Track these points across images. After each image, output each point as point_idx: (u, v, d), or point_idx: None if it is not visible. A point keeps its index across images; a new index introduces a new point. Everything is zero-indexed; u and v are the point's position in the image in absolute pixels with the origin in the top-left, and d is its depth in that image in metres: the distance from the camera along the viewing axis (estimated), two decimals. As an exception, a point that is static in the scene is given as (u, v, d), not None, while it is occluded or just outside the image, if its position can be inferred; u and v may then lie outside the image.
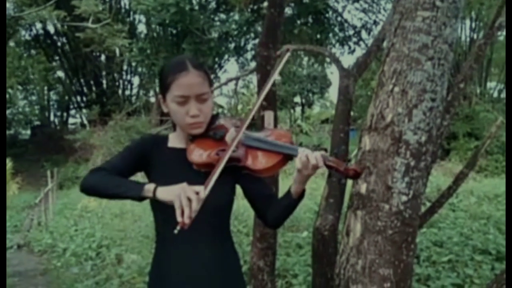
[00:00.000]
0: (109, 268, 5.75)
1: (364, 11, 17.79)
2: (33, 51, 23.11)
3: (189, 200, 1.39)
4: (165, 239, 1.66)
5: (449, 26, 2.23)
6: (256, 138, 1.64)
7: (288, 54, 1.75)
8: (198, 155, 1.64)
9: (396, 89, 2.24)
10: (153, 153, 1.69)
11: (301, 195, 1.62)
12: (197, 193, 1.41)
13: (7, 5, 18.01)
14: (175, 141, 1.73)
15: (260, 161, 1.61)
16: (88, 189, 1.56)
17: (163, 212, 1.65)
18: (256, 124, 3.34)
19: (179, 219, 1.38)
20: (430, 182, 8.39)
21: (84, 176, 1.59)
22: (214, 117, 1.70)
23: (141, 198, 1.49)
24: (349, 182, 2.06)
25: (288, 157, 1.59)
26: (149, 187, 1.47)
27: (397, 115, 2.22)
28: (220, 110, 18.41)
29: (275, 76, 1.71)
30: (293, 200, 1.62)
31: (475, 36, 18.29)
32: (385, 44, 2.60)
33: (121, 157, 1.67)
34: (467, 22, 18.27)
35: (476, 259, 4.84)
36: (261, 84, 3.37)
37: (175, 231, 1.39)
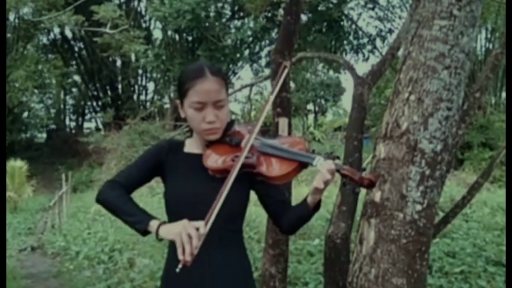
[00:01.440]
0: (121, 272, 5.78)
1: (379, 19, 17.78)
2: (50, 56, 23.40)
3: (190, 237, 1.41)
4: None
5: (466, 35, 2.23)
6: (271, 145, 1.65)
7: (287, 70, 1.75)
8: (213, 160, 1.65)
9: (412, 97, 2.23)
10: (169, 158, 1.71)
11: (317, 205, 1.63)
12: (197, 229, 1.43)
13: (26, 10, 18.30)
14: (191, 146, 1.75)
15: (274, 168, 1.61)
16: (102, 204, 1.64)
17: (178, 216, 1.67)
18: (271, 130, 3.36)
19: (180, 257, 1.41)
20: (444, 192, 8.29)
21: (101, 188, 1.65)
22: (230, 124, 1.71)
23: (145, 232, 1.54)
24: (363, 189, 2.06)
25: (303, 165, 1.59)
26: (154, 224, 1.51)
27: (413, 124, 2.21)
28: (233, 116, 18.49)
29: (277, 90, 1.72)
30: (309, 211, 1.63)
31: (490, 46, 18.17)
32: (400, 52, 2.60)
33: (136, 166, 1.72)
34: (483, 32, 18.16)
35: (489, 271, 4.78)
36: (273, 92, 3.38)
37: (177, 270, 1.41)
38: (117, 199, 1.60)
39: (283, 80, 1.79)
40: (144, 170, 1.70)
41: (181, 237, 1.41)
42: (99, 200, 1.64)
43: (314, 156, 1.57)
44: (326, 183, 1.53)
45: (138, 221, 1.54)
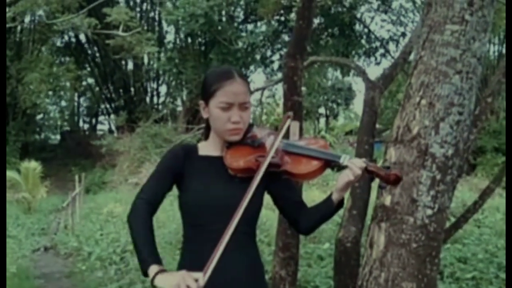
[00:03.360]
0: (132, 273, 5.80)
1: (392, 22, 17.72)
2: (64, 58, 23.61)
3: None
4: (192, 244, 1.69)
5: (478, 40, 2.23)
6: (295, 145, 1.68)
7: (289, 120, 1.77)
8: (236, 160, 1.67)
9: (423, 101, 2.24)
10: (185, 164, 1.72)
11: (341, 203, 1.65)
12: (197, 281, 1.42)
13: (40, 12, 18.50)
14: (207, 149, 1.76)
15: (300, 166, 1.63)
16: (128, 227, 1.66)
17: (193, 218, 1.69)
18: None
19: None
20: (456, 197, 8.24)
21: (131, 208, 1.67)
22: (249, 127, 1.74)
23: (146, 274, 1.53)
24: (372, 194, 2.07)
25: (327, 164, 1.62)
26: (153, 269, 1.50)
27: (424, 128, 2.22)
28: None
29: (279, 139, 1.73)
30: (333, 208, 1.64)
31: (503, 50, 17.98)
32: (412, 56, 2.61)
33: (157, 179, 1.73)
34: (496, 35, 17.99)
35: (501, 277, 4.73)
36: (287, 94, 3.41)
37: None
38: (138, 229, 1.62)
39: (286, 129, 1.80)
40: (166, 180, 1.72)
41: None
42: (128, 221, 1.66)
43: (340, 154, 1.60)
44: (356, 177, 1.55)
45: (143, 260, 1.55)
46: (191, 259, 1.68)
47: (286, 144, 1.69)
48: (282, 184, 1.69)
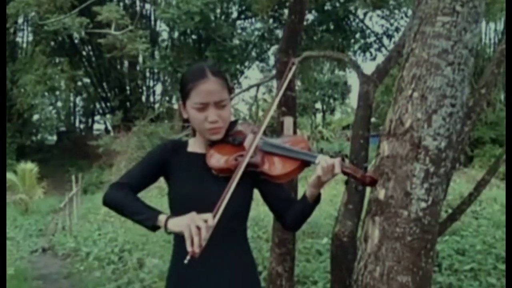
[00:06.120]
0: (130, 272, 5.81)
1: (385, 17, 17.69)
2: (59, 59, 23.50)
3: (198, 228, 1.43)
4: (182, 243, 1.68)
5: (469, 31, 2.22)
6: (274, 144, 1.66)
7: (294, 67, 1.76)
8: (217, 160, 1.66)
9: (415, 94, 2.23)
10: (173, 158, 1.72)
11: (317, 199, 1.64)
12: (206, 221, 1.45)
13: (33, 14, 18.40)
14: (194, 146, 1.76)
15: (277, 167, 1.62)
16: (109, 206, 1.66)
17: (176, 213, 1.68)
18: (276, 130, 3.37)
19: (189, 248, 1.43)
20: (453, 189, 8.26)
21: (106, 191, 1.67)
22: (233, 123, 1.72)
23: (154, 228, 1.56)
24: (368, 188, 2.07)
25: (305, 164, 1.60)
26: (162, 218, 1.53)
27: (416, 121, 2.21)
28: (241, 115, 18.56)
29: (285, 86, 1.73)
30: (309, 204, 1.64)
31: (497, 40, 17.99)
32: (405, 49, 2.59)
33: (140, 168, 1.73)
34: (492, 25, 18.01)
35: (499, 268, 4.75)
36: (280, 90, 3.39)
37: (185, 261, 1.43)
38: (124, 199, 1.62)
39: (291, 76, 1.79)
40: (148, 171, 1.72)
41: (189, 228, 1.43)
42: (106, 203, 1.66)
43: (316, 154, 1.58)
44: (326, 177, 1.55)
45: (147, 218, 1.56)
46: (178, 255, 1.68)
47: (265, 143, 1.66)
48: (268, 181, 1.67)
